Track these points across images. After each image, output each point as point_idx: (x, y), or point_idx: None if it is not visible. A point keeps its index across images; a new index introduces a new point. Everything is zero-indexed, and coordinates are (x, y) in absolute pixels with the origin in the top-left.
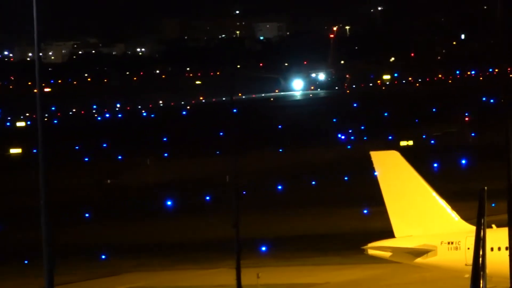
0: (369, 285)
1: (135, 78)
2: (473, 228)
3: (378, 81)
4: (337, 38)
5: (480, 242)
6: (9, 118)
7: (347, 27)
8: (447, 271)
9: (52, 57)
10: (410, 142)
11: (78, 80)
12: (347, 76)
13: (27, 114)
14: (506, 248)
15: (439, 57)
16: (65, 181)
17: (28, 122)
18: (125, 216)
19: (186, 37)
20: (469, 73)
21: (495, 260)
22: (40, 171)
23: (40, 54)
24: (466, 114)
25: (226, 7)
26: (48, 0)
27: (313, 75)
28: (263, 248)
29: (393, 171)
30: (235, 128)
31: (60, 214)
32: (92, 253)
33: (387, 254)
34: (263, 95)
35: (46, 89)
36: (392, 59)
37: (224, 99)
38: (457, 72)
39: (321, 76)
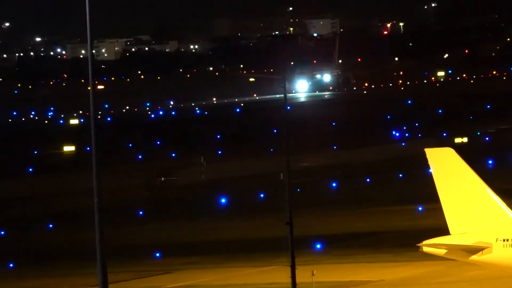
0: (423, 282)
1: (188, 76)
2: None
3: (432, 78)
4: (381, 36)
5: None
6: (62, 116)
7: (401, 24)
8: (502, 268)
9: (105, 55)
10: (465, 139)
11: (131, 77)
12: (350, 78)
13: (80, 112)
14: None
15: (493, 54)
16: (118, 180)
17: (81, 120)
18: (178, 215)
19: (239, 34)
20: None
21: None
22: (93, 169)
23: (93, 51)
24: None
25: (279, 4)
26: None
27: (318, 76)
28: (317, 246)
29: (447, 168)
30: (288, 126)
31: (112, 213)
32: (145, 252)
33: (442, 252)
34: (267, 97)
35: (99, 87)
36: (446, 55)
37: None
38: (511, 69)
39: (326, 78)
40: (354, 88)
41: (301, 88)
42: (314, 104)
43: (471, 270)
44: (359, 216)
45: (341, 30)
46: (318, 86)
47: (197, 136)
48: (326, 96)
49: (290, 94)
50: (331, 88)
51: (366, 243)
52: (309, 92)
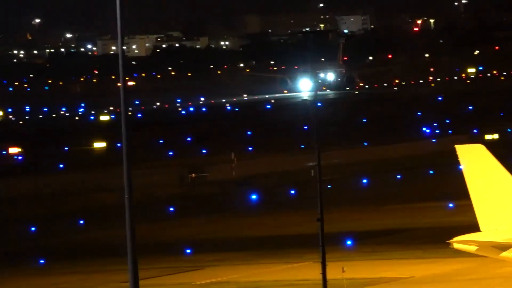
0: (453, 279)
1: (219, 72)
2: None
3: (463, 75)
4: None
5: None
6: (92, 112)
7: (432, 20)
8: None
9: (136, 51)
10: (495, 136)
11: (161, 73)
12: (354, 77)
13: (111, 108)
14: None
15: None
16: (149, 176)
17: (112, 116)
18: (209, 211)
19: (269, 31)
20: None
21: None
22: (124, 166)
23: (124, 48)
24: None
25: (310, 0)
26: None
27: (322, 75)
28: (348, 242)
29: (478, 165)
30: (318, 122)
31: (143, 209)
32: (175, 248)
33: (472, 248)
34: (266, 96)
35: (130, 83)
36: (477, 52)
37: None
38: None
39: (330, 76)
40: (366, 87)
41: (305, 87)
42: (342, 100)
43: (501, 267)
44: (389, 212)
45: (372, 26)
46: (322, 84)
47: (227, 133)
48: (330, 95)
49: (292, 93)
50: (325, 87)
51: (397, 239)
52: (312, 91)
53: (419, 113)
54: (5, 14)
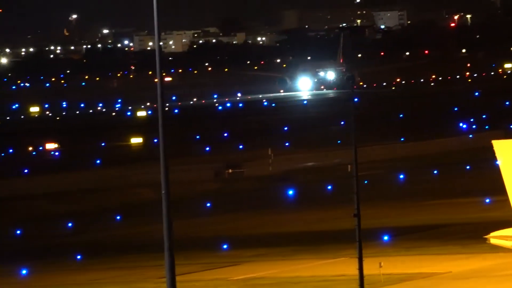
0: (491, 274)
1: (255, 68)
2: None
3: (499, 70)
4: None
5: None
6: (129, 108)
7: (468, 16)
8: None
9: (173, 47)
10: None
11: (198, 69)
12: (355, 76)
13: (148, 104)
14: None
15: None
16: (186, 172)
17: (149, 112)
18: (246, 207)
19: (306, 26)
20: None
21: None
22: (161, 162)
23: (160, 43)
24: None
25: None
26: None
27: (321, 74)
28: (385, 238)
29: None
30: (355, 117)
31: (180, 205)
32: (212, 244)
33: (509, 243)
34: (262, 95)
35: (167, 79)
36: None
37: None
38: None
39: (330, 75)
40: (385, 84)
41: (304, 86)
42: (379, 96)
43: None
44: (426, 208)
45: (409, 22)
46: (322, 84)
47: (264, 128)
48: (330, 94)
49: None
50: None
51: (434, 235)
52: (312, 90)
53: (456, 109)
54: (43, 10)
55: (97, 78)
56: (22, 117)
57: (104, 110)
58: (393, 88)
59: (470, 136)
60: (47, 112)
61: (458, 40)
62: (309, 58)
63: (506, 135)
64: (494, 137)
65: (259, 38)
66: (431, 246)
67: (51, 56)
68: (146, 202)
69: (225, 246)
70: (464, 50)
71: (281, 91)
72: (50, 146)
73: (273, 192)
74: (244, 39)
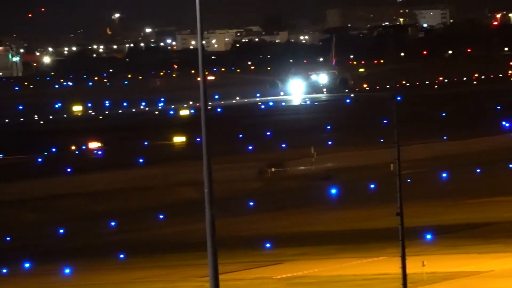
0: None
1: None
2: None
3: None
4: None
5: None
6: (172, 106)
7: (511, 15)
8: None
9: (215, 45)
10: None
11: (241, 68)
12: (348, 78)
13: (191, 103)
14: None
15: None
16: (228, 171)
17: (192, 111)
18: (288, 205)
19: (349, 25)
20: None
21: None
22: (203, 160)
23: (203, 42)
24: None
25: None
26: None
27: (313, 77)
28: (427, 236)
29: None
30: (397, 116)
31: (223, 204)
32: (255, 243)
33: None
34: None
35: (209, 78)
36: None
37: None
38: None
39: (322, 78)
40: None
41: (296, 89)
42: (421, 95)
43: None
44: (469, 206)
45: (451, 20)
46: (314, 87)
47: (307, 127)
48: (322, 98)
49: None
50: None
51: (477, 233)
52: (305, 94)
53: (498, 107)
54: (86, 9)
55: (140, 77)
56: (65, 116)
57: (147, 109)
58: (436, 86)
59: None
60: (90, 111)
61: (501, 38)
62: (351, 56)
63: None
64: None
65: (301, 37)
66: (474, 244)
67: (94, 55)
68: (189, 201)
69: (267, 245)
70: (506, 49)
71: (281, 93)
72: (93, 145)
73: (316, 190)
74: (286, 38)
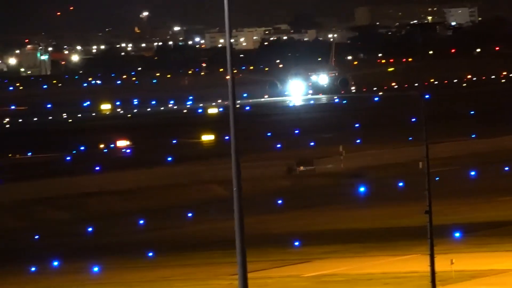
0: None
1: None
2: None
3: None
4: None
5: None
6: (201, 104)
7: None
8: None
9: (244, 44)
10: None
11: (269, 66)
12: (348, 79)
13: (219, 101)
14: None
15: None
16: (257, 169)
17: (220, 109)
18: (317, 204)
19: (377, 23)
20: None
21: None
22: (232, 159)
23: (231, 40)
24: None
25: None
26: None
27: (314, 78)
28: (456, 235)
29: None
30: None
31: (252, 202)
32: (283, 241)
33: None
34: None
35: (238, 76)
36: None
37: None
38: None
39: (322, 79)
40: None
41: (296, 90)
42: (448, 93)
43: None
44: (498, 204)
45: (480, 18)
46: (314, 88)
47: (336, 125)
48: (323, 99)
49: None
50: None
51: (506, 231)
52: (304, 95)
53: None
54: (114, 7)
55: (168, 75)
56: (94, 114)
57: (175, 107)
58: (464, 85)
59: None
60: (119, 110)
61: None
62: (379, 54)
63: None
64: None
65: (330, 35)
66: (503, 242)
67: (122, 53)
68: (218, 199)
69: (296, 243)
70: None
71: (266, 96)
72: (122, 143)
73: (345, 188)
74: (315, 36)
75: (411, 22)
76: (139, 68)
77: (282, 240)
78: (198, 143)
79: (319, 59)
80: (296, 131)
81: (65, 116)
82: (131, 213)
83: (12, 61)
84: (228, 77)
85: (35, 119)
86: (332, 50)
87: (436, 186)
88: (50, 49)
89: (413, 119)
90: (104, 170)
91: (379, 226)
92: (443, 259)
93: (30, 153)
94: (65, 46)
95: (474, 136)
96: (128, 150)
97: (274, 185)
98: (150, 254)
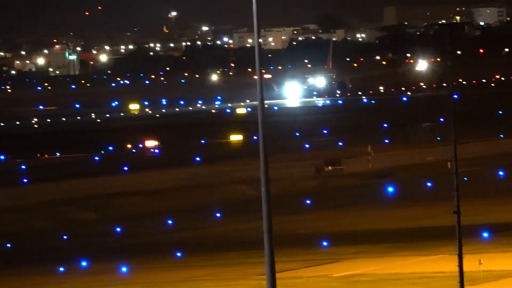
0: None
1: (355, 65)
2: None
3: None
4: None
5: None
6: (229, 104)
7: None
8: None
9: (272, 43)
10: None
11: (298, 66)
12: (346, 82)
13: (247, 101)
14: None
15: None
16: (285, 169)
17: (249, 109)
18: (345, 204)
19: (405, 23)
20: None
21: None
22: (260, 159)
23: (260, 40)
24: None
25: None
26: None
27: (310, 80)
28: (484, 235)
29: None
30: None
31: (280, 202)
32: (312, 241)
33: None
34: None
35: (266, 76)
36: None
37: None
38: None
39: (319, 82)
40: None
41: (293, 93)
42: (477, 94)
43: None
44: None
45: (508, 18)
46: (311, 91)
47: (364, 125)
48: (319, 102)
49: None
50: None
51: None
52: (302, 98)
53: None
54: (142, 7)
55: (197, 75)
56: (122, 114)
57: (203, 107)
58: (492, 84)
59: None
60: (147, 110)
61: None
62: (408, 54)
63: None
64: None
65: (358, 35)
66: None
67: (151, 53)
68: (246, 199)
69: (325, 243)
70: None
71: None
72: (150, 143)
73: (373, 189)
74: (343, 36)
75: (439, 22)
76: (168, 68)
77: (310, 240)
78: (227, 143)
79: (347, 59)
80: (325, 131)
81: (94, 116)
82: (160, 213)
83: (41, 61)
84: (256, 76)
85: (64, 119)
86: (330, 53)
87: (465, 186)
88: (78, 49)
89: (442, 119)
90: (132, 170)
91: (407, 226)
92: (471, 259)
93: (58, 154)
94: (94, 46)
95: (502, 136)
96: (157, 150)
97: (303, 185)
98: (179, 254)
